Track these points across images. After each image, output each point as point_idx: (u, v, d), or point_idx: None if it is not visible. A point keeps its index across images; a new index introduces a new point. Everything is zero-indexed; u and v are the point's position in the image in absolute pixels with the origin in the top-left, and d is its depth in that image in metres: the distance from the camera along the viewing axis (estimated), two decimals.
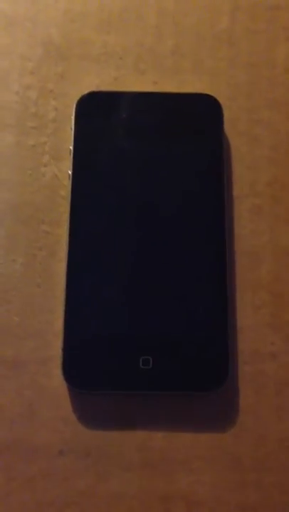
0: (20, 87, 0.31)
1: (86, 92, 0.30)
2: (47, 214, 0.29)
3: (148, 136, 0.29)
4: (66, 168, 0.29)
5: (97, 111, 0.30)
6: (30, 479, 0.26)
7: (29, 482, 0.26)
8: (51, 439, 0.26)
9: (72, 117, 0.30)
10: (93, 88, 0.31)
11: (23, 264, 0.29)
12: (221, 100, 0.31)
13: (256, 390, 0.27)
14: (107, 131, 0.29)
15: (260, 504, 0.26)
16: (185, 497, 0.26)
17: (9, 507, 0.26)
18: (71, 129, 0.29)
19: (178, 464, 0.26)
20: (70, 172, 0.29)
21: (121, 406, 0.27)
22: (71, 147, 0.29)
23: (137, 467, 0.26)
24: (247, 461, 0.27)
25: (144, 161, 0.29)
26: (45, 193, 0.30)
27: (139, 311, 0.27)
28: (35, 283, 0.28)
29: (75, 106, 0.30)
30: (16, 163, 0.30)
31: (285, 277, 0.29)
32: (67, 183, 0.29)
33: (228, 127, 0.30)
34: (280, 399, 0.27)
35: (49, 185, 0.30)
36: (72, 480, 0.26)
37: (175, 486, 0.26)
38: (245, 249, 0.29)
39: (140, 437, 0.27)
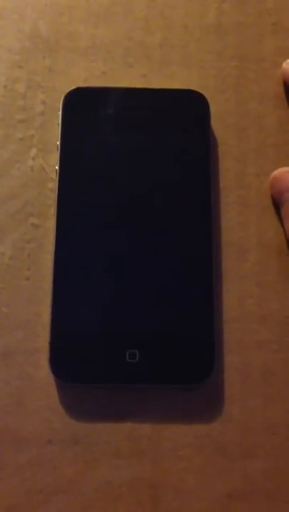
0: (8, 80, 0.31)
1: (73, 86, 0.30)
2: (35, 207, 0.30)
3: (135, 131, 0.30)
4: (54, 162, 0.30)
5: (83, 106, 0.30)
6: (20, 468, 0.27)
7: (18, 471, 0.26)
8: (40, 429, 0.27)
9: (60, 113, 0.30)
10: (81, 81, 0.31)
11: (12, 257, 0.29)
12: (209, 93, 0.31)
13: (242, 380, 0.28)
14: (94, 127, 0.30)
15: (246, 491, 0.26)
16: (173, 484, 0.27)
17: None
18: (58, 124, 0.30)
19: (166, 452, 0.27)
20: (57, 168, 0.29)
21: (109, 397, 0.27)
22: (58, 143, 0.29)
23: (125, 455, 0.27)
24: (234, 449, 0.27)
25: (131, 155, 0.29)
26: (33, 186, 0.30)
27: (126, 304, 0.27)
28: (23, 275, 0.29)
29: (61, 102, 0.30)
30: (4, 156, 0.30)
31: (271, 268, 0.29)
32: (54, 177, 0.29)
33: (215, 120, 0.31)
34: (266, 387, 0.28)
35: (37, 178, 0.30)
36: (61, 468, 0.27)
37: (163, 473, 0.27)
38: (231, 240, 0.29)
39: (128, 426, 0.27)
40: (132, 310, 0.27)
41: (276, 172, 0.29)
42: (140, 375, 0.27)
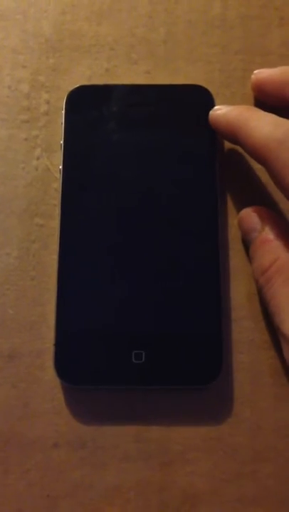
0: (12, 80, 0.31)
1: (76, 85, 0.30)
2: (40, 207, 0.29)
3: (139, 128, 0.29)
4: (58, 161, 0.29)
5: (87, 105, 0.29)
6: (26, 472, 0.26)
7: (25, 475, 0.26)
8: (46, 432, 0.26)
9: (63, 112, 0.29)
10: (85, 80, 0.31)
11: (17, 257, 0.29)
12: (215, 87, 0.30)
13: (252, 380, 0.27)
14: (98, 125, 0.29)
15: (257, 495, 0.26)
16: (182, 488, 0.26)
17: (5, 500, 0.26)
18: (61, 123, 0.29)
19: (174, 455, 0.26)
20: (60, 167, 0.29)
21: (116, 399, 0.27)
22: (62, 142, 0.29)
23: (133, 458, 0.26)
24: (244, 451, 0.26)
25: (136, 153, 0.29)
26: (37, 186, 0.30)
27: (132, 304, 0.27)
28: (29, 276, 0.28)
29: (64, 100, 0.29)
30: (9, 157, 0.30)
31: None
32: (59, 177, 0.29)
33: None
34: (276, 388, 0.27)
35: (42, 178, 0.30)
36: (67, 472, 0.26)
37: (172, 477, 0.26)
38: (239, 238, 0.29)
39: (136, 429, 0.26)
40: (137, 310, 0.27)
41: (242, 212, 0.28)
42: (147, 376, 0.26)
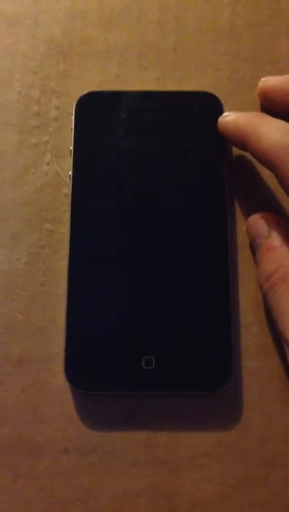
0: (23, 86, 0.31)
1: (87, 91, 0.30)
2: (50, 212, 0.30)
3: (148, 134, 0.29)
4: (68, 167, 0.29)
5: (96, 111, 0.30)
6: (36, 477, 0.26)
7: (34, 480, 0.26)
8: (56, 437, 0.27)
9: (72, 118, 0.30)
10: (95, 86, 0.31)
11: (27, 262, 0.29)
12: (224, 95, 0.30)
13: (261, 386, 0.27)
14: (107, 131, 0.29)
15: (267, 501, 0.26)
16: (191, 494, 0.26)
17: (15, 505, 0.26)
18: (71, 129, 0.29)
19: (184, 461, 0.26)
20: (70, 173, 0.29)
21: (125, 404, 0.27)
22: (71, 148, 0.29)
23: (142, 464, 0.26)
24: (253, 457, 0.26)
25: (145, 159, 0.29)
26: (47, 191, 0.30)
27: (142, 310, 0.27)
28: (38, 281, 0.29)
29: (74, 106, 0.30)
30: (19, 162, 0.30)
31: None
32: (69, 182, 0.29)
33: None
34: (285, 394, 0.27)
35: (52, 183, 0.30)
36: (77, 477, 0.26)
37: (181, 482, 0.26)
38: (247, 244, 0.29)
39: (145, 435, 0.27)
40: (147, 316, 0.27)
41: (250, 218, 0.28)
42: (156, 382, 0.26)
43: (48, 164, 0.30)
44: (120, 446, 0.26)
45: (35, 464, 0.26)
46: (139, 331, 0.27)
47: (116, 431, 0.27)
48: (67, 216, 0.29)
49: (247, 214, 0.29)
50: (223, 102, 0.30)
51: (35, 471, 0.26)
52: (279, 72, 0.31)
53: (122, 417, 0.27)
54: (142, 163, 0.29)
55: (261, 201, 0.30)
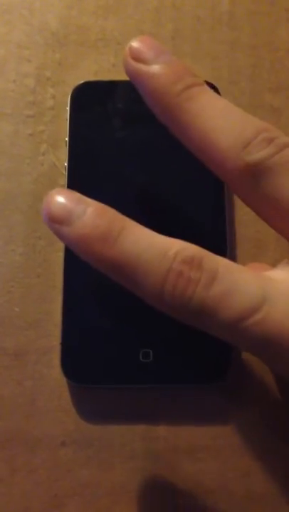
0: (18, 75, 0.31)
1: (83, 80, 0.30)
2: None
3: (145, 124, 0.29)
4: (64, 157, 0.29)
5: (92, 100, 0.29)
6: (33, 471, 0.26)
7: (32, 473, 0.26)
8: (53, 430, 0.26)
9: (68, 108, 0.29)
10: (91, 75, 0.31)
11: (23, 254, 0.28)
12: (223, 84, 0.30)
13: (260, 378, 0.27)
14: (103, 121, 0.29)
15: (266, 493, 0.26)
16: (190, 487, 0.26)
17: (12, 498, 0.26)
18: (66, 119, 0.29)
19: (182, 454, 0.26)
20: (65, 164, 0.28)
21: (123, 397, 0.27)
22: (67, 139, 0.29)
23: (140, 457, 0.26)
24: (252, 450, 0.26)
25: (142, 149, 0.29)
26: (43, 182, 0.29)
27: (139, 303, 0.27)
28: (34, 273, 0.28)
29: (69, 96, 0.29)
30: (14, 153, 0.30)
31: None
32: (65, 173, 0.29)
33: None
34: (284, 386, 0.27)
35: (47, 174, 0.29)
36: (75, 471, 0.26)
37: (180, 475, 0.26)
38: (248, 235, 0.29)
39: (143, 428, 0.26)
40: (145, 309, 0.27)
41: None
42: (154, 375, 0.26)
43: (43, 154, 0.30)
44: (118, 439, 0.26)
45: (33, 457, 0.26)
46: (137, 324, 0.26)
47: (114, 424, 0.26)
48: None
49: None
50: (221, 91, 0.29)
51: (32, 464, 0.26)
52: (278, 61, 0.31)
53: (119, 410, 0.26)
54: (139, 153, 0.29)
55: None
